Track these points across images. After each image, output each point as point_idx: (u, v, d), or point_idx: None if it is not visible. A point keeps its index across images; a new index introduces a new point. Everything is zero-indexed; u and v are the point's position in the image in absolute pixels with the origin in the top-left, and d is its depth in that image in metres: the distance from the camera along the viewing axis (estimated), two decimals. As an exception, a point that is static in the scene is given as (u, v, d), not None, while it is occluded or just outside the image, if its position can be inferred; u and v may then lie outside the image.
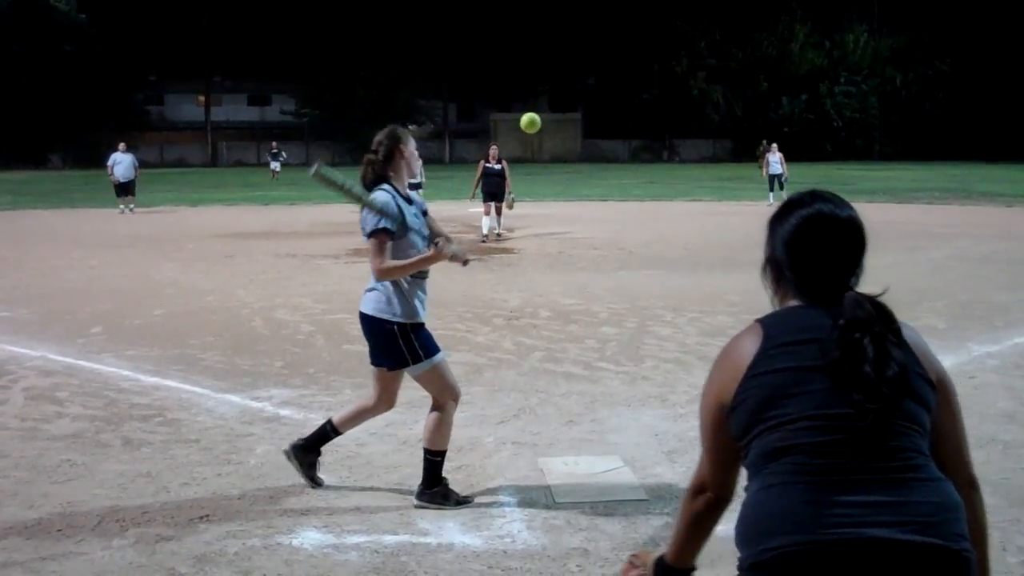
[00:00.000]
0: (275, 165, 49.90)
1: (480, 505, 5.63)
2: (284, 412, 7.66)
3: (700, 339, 10.39)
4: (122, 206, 29.56)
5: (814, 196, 2.57)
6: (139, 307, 12.67)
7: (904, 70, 79.73)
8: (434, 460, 5.67)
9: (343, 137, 78.85)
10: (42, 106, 69.36)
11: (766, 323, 2.49)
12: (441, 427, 5.66)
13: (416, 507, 5.58)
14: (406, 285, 5.57)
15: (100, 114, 71.97)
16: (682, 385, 8.41)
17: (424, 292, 5.68)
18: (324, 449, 5.99)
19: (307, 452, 5.90)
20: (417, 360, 5.57)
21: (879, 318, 2.37)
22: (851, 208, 2.53)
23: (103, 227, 25.22)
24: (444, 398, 5.68)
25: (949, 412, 2.45)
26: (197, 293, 13.87)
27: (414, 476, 6.02)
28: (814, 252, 2.49)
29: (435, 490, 5.64)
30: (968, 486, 2.42)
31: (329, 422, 5.99)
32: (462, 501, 5.66)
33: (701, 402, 2.55)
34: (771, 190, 31.94)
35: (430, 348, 5.62)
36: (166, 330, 11.14)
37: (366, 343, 5.76)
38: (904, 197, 34.54)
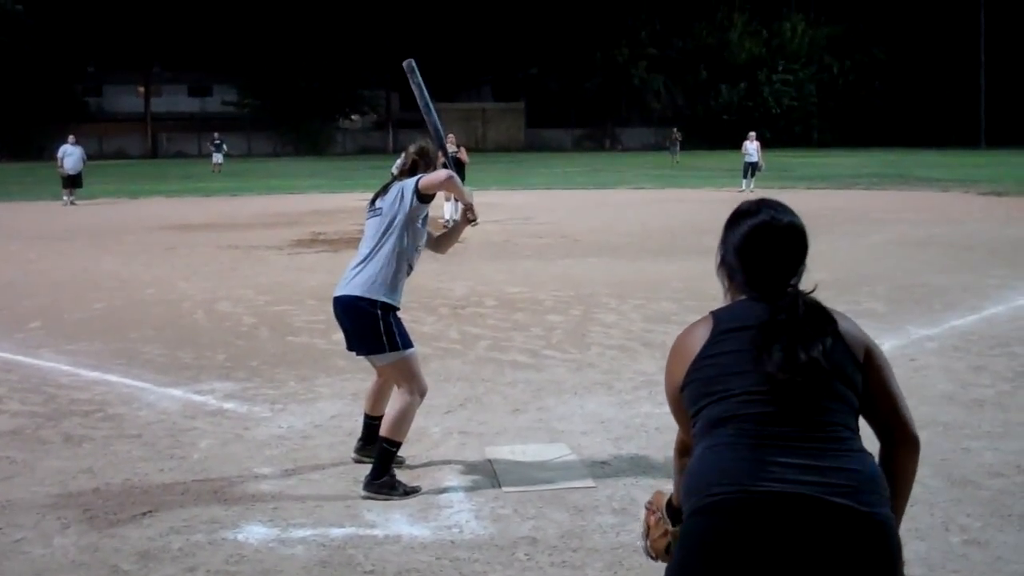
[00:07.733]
0: (217, 157, 48.31)
1: (427, 495, 5.60)
2: (227, 405, 7.58)
3: (645, 326, 10.44)
4: (66, 197, 29.87)
5: (760, 205, 2.85)
6: (79, 301, 12.49)
7: (841, 58, 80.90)
8: (389, 450, 5.63)
9: (285, 128, 78.42)
10: (-23, 98, 68.24)
11: (717, 314, 2.78)
12: (404, 419, 5.64)
13: (363, 498, 5.53)
14: (400, 270, 5.65)
15: (38, 106, 70.86)
16: (627, 372, 8.43)
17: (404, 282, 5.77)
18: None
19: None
20: (394, 348, 5.58)
21: (812, 313, 2.66)
22: (793, 215, 2.81)
23: (41, 220, 24.85)
24: (412, 390, 5.68)
25: (879, 380, 2.71)
26: (138, 286, 13.69)
27: (360, 468, 5.98)
28: (759, 256, 2.76)
29: (383, 480, 5.58)
30: (903, 443, 2.72)
31: (381, 438, 5.70)
32: (410, 491, 5.60)
33: (664, 382, 2.86)
34: (744, 177, 32.17)
35: (406, 339, 5.65)
36: (107, 324, 10.99)
37: (341, 330, 5.75)
38: (843, 183, 34.95)
